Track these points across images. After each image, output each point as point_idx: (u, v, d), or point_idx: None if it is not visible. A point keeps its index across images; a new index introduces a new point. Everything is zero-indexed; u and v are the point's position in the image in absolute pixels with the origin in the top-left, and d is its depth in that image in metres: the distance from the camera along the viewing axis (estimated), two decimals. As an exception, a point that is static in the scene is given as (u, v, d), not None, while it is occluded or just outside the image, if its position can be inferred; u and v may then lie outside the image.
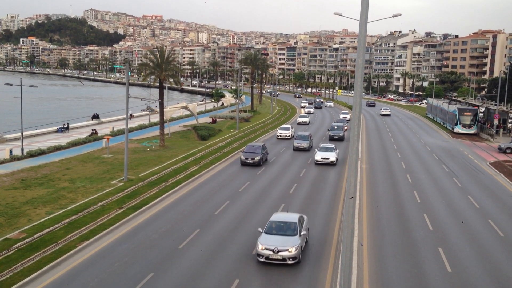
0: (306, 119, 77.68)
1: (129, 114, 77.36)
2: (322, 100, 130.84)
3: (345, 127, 65.25)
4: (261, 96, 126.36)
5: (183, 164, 41.16)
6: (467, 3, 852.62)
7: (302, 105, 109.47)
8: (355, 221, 24.67)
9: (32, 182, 33.50)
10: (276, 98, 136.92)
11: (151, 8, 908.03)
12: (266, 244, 20.35)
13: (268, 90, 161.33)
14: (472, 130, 68.16)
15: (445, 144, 59.39)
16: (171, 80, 54.16)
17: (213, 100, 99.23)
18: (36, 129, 58.37)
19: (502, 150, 53.30)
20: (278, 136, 58.20)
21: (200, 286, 18.46)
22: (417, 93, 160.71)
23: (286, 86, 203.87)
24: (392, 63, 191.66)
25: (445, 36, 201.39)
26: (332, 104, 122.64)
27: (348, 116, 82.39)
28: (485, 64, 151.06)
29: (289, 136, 57.68)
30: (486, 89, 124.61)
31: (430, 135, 67.70)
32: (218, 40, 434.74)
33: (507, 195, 34.14)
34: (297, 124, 75.72)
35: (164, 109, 53.80)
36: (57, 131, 60.39)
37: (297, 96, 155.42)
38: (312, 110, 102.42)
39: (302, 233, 21.34)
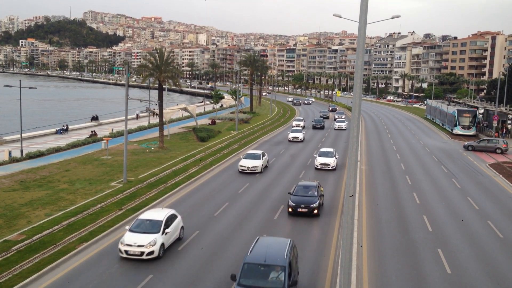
0: (256, 164, 39.20)
1: (135, 114, 78.78)
2: (335, 115, 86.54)
3: (315, 210, 27.20)
4: (260, 98, 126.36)
5: (183, 165, 41.14)
6: (466, 5, 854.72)
7: (294, 123, 72.01)
8: (355, 222, 24.64)
9: (31, 183, 33.47)
10: (299, 107, 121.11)
11: (151, 10, 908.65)
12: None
13: (298, 98, 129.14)
14: (471, 132, 68.18)
15: (444, 145, 59.45)
16: (171, 81, 54.11)
17: (212, 101, 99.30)
18: (36, 128, 58.04)
19: (465, 148, 55.86)
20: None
21: (200, 287, 18.45)
22: (416, 94, 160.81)
23: (310, 91, 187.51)
24: (391, 65, 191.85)
25: (444, 38, 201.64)
26: (344, 125, 72.75)
27: (331, 163, 40.80)
28: (484, 66, 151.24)
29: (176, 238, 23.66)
30: (485, 91, 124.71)
31: (429, 137, 67.74)
32: (217, 41, 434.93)
33: (506, 196, 34.17)
34: (239, 170, 39.28)
35: (164, 111, 53.80)
36: (56, 132, 60.37)
37: (331, 108, 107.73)
38: (300, 136, 58.13)
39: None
